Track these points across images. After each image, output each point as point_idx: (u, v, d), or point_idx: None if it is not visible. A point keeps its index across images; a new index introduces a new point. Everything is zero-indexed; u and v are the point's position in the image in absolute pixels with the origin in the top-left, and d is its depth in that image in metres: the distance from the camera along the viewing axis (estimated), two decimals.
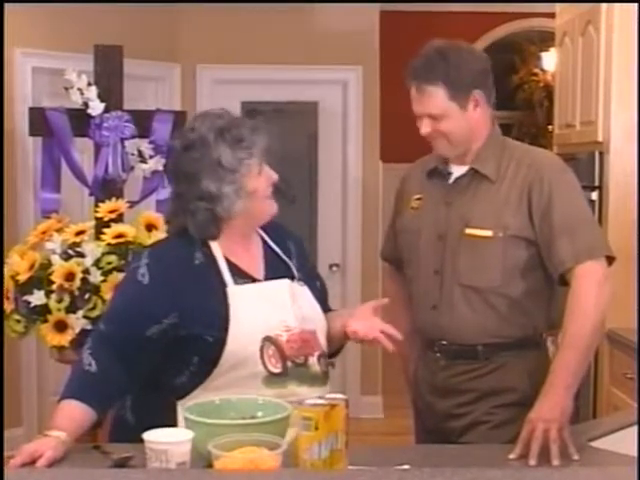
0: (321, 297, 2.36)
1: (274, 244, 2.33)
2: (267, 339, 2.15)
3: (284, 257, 2.32)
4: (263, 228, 2.33)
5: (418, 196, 2.52)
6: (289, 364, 2.16)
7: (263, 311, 2.17)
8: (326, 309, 2.38)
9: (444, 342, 2.43)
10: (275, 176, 2.25)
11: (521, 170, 2.38)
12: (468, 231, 2.37)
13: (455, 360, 2.43)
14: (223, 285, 2.17)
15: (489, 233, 2.35)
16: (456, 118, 2.37)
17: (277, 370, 2.15)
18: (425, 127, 2.39)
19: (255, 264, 2.27)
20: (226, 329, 2.12)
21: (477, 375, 2.41)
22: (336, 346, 2.37)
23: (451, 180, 2.46)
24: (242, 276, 2.21)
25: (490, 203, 2.38)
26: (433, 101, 2.36)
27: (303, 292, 2.28)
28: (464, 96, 2.37)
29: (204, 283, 2.17)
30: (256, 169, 2.20)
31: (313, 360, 2.21)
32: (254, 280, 2.23)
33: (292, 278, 2.28)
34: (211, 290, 2.16)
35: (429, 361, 2.49)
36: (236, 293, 2.17)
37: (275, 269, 2.28)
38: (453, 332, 2.41)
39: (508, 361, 2.40)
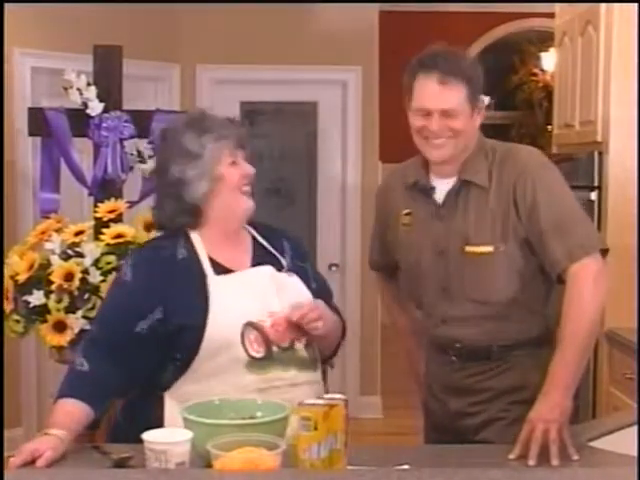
0: (316, 297, 2.31)
1: (264, 240, 2.33)
2: (248, 324, 2.16)
3: (272, 250, 2.32)
4: (256, 228, 2.35)
5: (407, 211, 2.45)
6: (275, 349, 2.17)
7: (244, 298, 2.19)
8: None
9: (458, 345, 2.41)
10: (251, 170, 2.26)
11: (504, 173, 2.32)
12: (469, 249, 2.33)
13: (470, 362, 2.40)
14: (204, 276, 2.19)
15: (490, 249, 2.31)
16: (467, 120, 2.30)
17: (259, 355, 2.16)
18: (436, 123, 2.26)
19: (241, 260, 2.28)
20: (205, 318, 2.14)
21: (493, 375, 2.39)
22: (328, 344, 2.34)
23: (438, 194, 2.39)
24: (223, 270, 2.23)
25: (484, 216, 2.33)
26: (454, 96, 2.25)
27: (292, 282, 2.28)
28: (475, 100, 2.30)
29: (186, 276, 2.20)
30: (226, 157, 2.22)
31: (300, 345, 2.21)
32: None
33: (280, 269, 2.28)
34: (192, 282, 2.19)
35: (442, 362, 2.46)
36: (216, 283, 2.19)
37: (262, 261, 2.29)
38: (466, 339, 2.39)
39: (523, 360, 2.38)
